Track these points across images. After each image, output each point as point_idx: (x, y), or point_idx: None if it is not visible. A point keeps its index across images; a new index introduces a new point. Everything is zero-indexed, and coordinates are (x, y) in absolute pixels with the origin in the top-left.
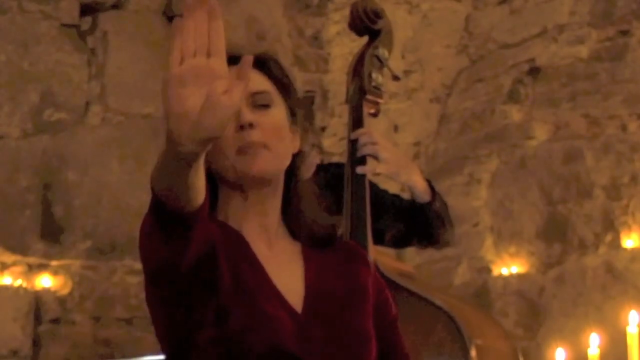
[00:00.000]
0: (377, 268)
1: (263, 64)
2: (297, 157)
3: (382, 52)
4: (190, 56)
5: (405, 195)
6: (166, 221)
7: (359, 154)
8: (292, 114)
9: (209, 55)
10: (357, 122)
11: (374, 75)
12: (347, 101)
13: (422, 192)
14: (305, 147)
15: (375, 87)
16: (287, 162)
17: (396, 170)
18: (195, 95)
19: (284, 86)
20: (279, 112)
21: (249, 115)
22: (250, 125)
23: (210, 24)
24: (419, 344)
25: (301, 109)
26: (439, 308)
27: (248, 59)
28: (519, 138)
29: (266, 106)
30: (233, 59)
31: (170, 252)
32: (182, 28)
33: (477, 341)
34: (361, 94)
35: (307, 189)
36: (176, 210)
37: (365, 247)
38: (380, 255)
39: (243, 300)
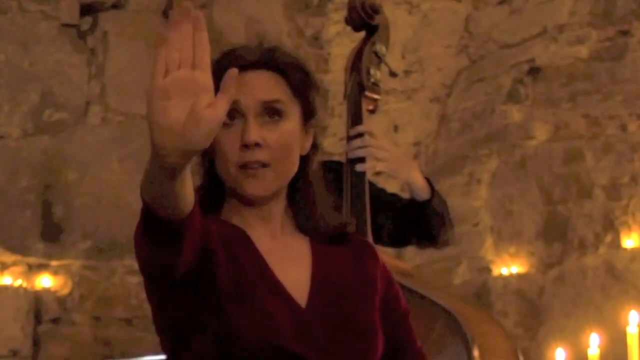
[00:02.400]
0: None
1: (278, 67)
2: (309, 154)
3: (380, 47)
4: (174, 68)
5: (405, 195)
6: (156, 229)
7: (355, 154)
8: (309, 114)
9: (193, 67)
10: (356, 118)
11: (372, 71)
12: (345, 97)
13: (421, 190)
14: (319, 141)
15: (374, 84)
16: (292, 173)
17: (395, 167)
18: (180, 108)
19: (300, 88)
20: (290, 123)
21: (254, 135)
22: (256, 145)
23: (195, 36)
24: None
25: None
26: (442, 308)
27: (232, 73)
28: (519, 138)
29: (277, 115)
30: (250, 65)
31: (163, 259)
32: (167, 40)
33: (479, 341)
34: (360, 91)
35: (316, 185)
36: (164, 218)
37: None
38: (380, 253)
39: (242, 298)
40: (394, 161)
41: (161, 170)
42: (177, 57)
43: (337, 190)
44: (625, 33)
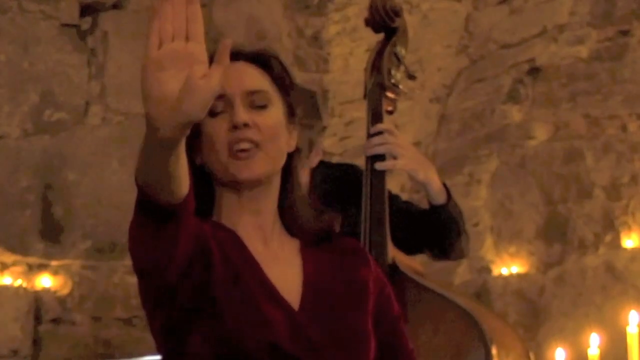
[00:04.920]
0: (396, 266)
1: (263, 61)
2: (294, 155)
3: (400, 49)
4: (168, 40)
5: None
6: (151, 214)
7: (375, 151)
8: (291, 112)
9: (187, 39)
10: (376, 117)
11: (392, 72)
12: (365, 96)
13: (437, 192)
14: (302, 144)
15: (394, 85)
16: (281, 162)
17: (414, 167)
18: (174, 80)
19: (283, 84)
20: (275, 112)
21: (243, 115)
22: (245, 125)
23: (188, 8)
24: (437, 342)
25: (302, 105)
26: (460, 307)
27: (226, 44)
28: (519, 138)
29: (263, 107)
30: (234, 55)
31: (158, 246)
32: (160, 12)
33: (496, 341)
34: (381, 91)
35: (304, 186)
36: (159, 201)
37: (384, 244)
38: (397, 254)
39: (238, 299)
40: (413, 160)
41: (156, 146)
42: (171, 29)
43: (339, 192)
44: (625, 33)
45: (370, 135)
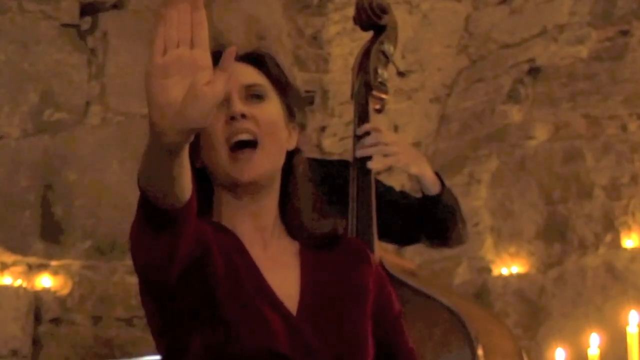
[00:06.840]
0: (382, 265)
1: (258, 60)
2: (294, 155)
3: (388, 47)
4: (173, 47)
5: (414, 194)
6: (153, 218)
7: (367, 153)
8: (290, 112)
9: (192, 46)
10: (363, 117)
11: (379, 70)
12: (352, 96)
13: (431, 184)
14: (303, 145)
15: (381, 83)
16: (281, 160)
17: (406, 161)
18: (179, 86)
19: (280, 83)
20: (273, 106)
21: (240, 106)
22: (243, 116)
23: (193, 14)
24: (424, 343)
25: (300, 107)
26: (446, 307)
27: (231, 51)
28: (519, 138)
29: (259, 98)
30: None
31: (159, 249)
32: (165, 18)
33: (483, 340)
34: (367, 90)
35: (305, 187)
36: (162, 206)
37: (370, 244)
38: (385, 253)
39: (238, 303)
40: (404, 155)
41: (160, 152)
42: (176, 35)
43: (336, 189)
44: (625, 33)
45: (357, 137)
